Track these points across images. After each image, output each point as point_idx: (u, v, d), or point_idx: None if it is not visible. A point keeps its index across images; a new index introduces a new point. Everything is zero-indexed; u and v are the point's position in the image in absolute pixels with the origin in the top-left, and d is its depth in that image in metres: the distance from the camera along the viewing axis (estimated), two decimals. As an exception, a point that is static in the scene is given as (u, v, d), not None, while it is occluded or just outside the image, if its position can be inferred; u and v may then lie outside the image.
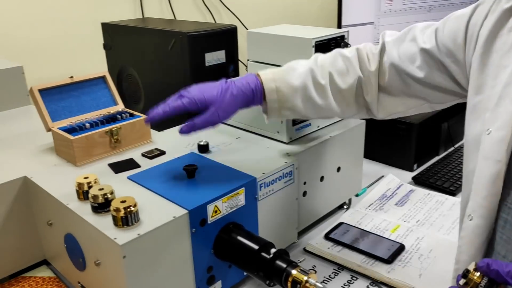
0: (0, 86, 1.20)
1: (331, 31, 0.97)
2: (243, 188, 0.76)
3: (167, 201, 0.71)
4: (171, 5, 2.06)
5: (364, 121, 1.05)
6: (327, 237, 0.97)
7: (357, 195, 1.16)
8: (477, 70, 0.65)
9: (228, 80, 0.81)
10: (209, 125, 0.77)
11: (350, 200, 1.12)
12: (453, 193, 1.15)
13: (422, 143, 1.29)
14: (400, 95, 0.79)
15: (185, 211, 0.68)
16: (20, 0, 1.58)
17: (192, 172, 0.78)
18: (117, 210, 0.64)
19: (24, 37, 1.62)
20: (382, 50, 0.80)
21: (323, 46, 0.95)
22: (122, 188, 0.75)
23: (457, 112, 1.42)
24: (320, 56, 0.84)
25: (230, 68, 1.29)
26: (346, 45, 0.98)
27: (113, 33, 1.43)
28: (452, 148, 1.40)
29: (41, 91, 0.90)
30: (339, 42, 0.97)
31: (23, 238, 0.84)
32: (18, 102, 1.23)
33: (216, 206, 0.72)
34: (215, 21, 2.27)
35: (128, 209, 0.65)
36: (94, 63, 1.80)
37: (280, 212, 0.86)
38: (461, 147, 1.39)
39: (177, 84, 1.23)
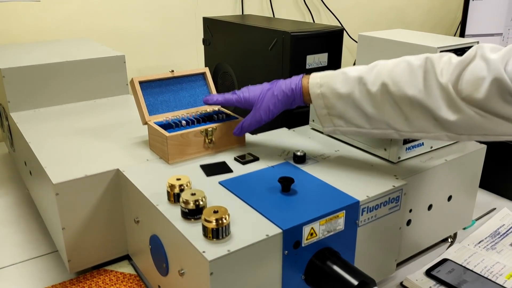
0: (102, 74, 1.22)
1: (458, 41, 0.85)
2: (344, 211, 0.68)
3: (259, 216, 0.65)
4: (271, 3, 2.01)
5: (485, 146, 0.91)
6: (428, 273, 0.85)
7: (464, 228, 1.02)
8: None
9: (275, 80, 0.82)
10: (254, 125, 0.82)
11: (456, 233, 0.99)
12: None
13: (547, 176, 1.12)
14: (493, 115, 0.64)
15: (279, 230, 0.61)
16: (128, -10, 1.62)
17: (287, 185, 0.71)
18: (209, 221, 0.59)
19: (127, 27, 1.66)
20: (470, 62, 0.65)
21: (448, 57, 0.83)
22: (213, 193, 0.71)
23: None
24: (380, 62, 0.74)
25: (330, 72, 1.21)
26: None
27: (213, 28, 1.41)
28: None
29: (141, 83, 0.89)
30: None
31: (109, 231, 0.83)
32: (118, 90, 1.24)
33: (312, 228, 0.65)
34: (314, 21, 2.19)
35: (220, 221, 0.59)
36: (192, 58, 1.81)
37: (380, 241, 0.76)
38: None
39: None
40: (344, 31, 2.15)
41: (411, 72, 0.69)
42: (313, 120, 0.99)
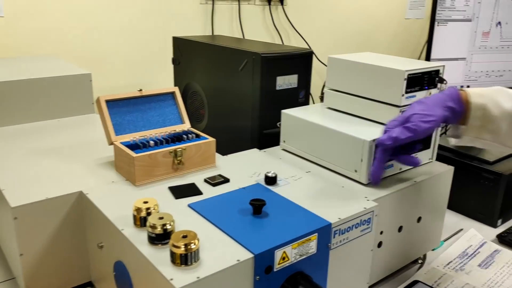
0: (67, 92, 1.18)
1: (425, 64, 0.87)
2: (316, 234, 0.66)
3: (230, 240, 0.63)
4: (241, 25, 2.03)
5: (452, 168, 0.93)
6: (399, 296, 0.85)
7: (433, 249, 1.03)
8: None
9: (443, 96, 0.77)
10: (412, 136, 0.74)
11: (425, 254, 0.99)
12: (546, 260, 0.99)
13: (509, 196, 1.14)
14: None
15: (251, 255, 0.59)
16: (92, 8, 1.59)
17: (259, 208, 0.69)
18: (177, 246, 0.56)
19: (95, 45, 1.63)
20: None
21: (416, 79, 0.85)
22: (182, 217, 0.68)
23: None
24: None
25: (300, 93, 1.21)
26: (442, 80, 0.87)
27: (183, 48, 1.40)
28: (543, 206, 1.24)
29: (108, 102, 0.86)
30: (433, 77, 0.87)
31: (71, 257, 0.79)
32: (83, 109, 1.21)
33: (285, 252, 0.63)
34: (283, 43, 2.22)
35: (189, 246, 0.57)
36: (160, 77, 1.78)
37: (352, 264, 0.75)
38: (554, 205, 1.22)
39: (243, 106, 1.17)
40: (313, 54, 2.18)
41: None
42: (284, 141, 0.98)
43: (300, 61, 1.18)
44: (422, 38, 2.77)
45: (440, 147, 1.24)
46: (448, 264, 0.96)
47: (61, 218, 0.75)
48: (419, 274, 0.92)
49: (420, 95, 0.87)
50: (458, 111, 0.75)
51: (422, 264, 0.97)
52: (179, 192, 0.76)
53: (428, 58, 1.09)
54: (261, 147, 1.02)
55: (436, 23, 1.08)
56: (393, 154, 0.79)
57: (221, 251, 0.60)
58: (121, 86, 1.71)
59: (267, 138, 1.12)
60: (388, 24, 2.65)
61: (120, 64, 1.70)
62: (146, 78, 1.76)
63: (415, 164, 0.81)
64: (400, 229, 0.85)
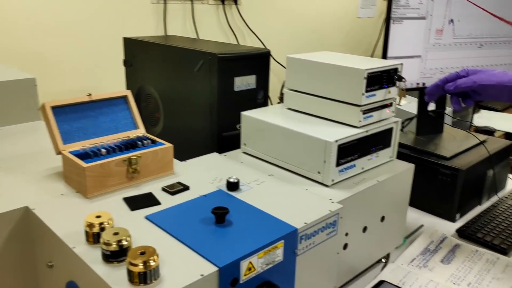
0: (10, 98, 1.10)
1: (384, 63, 0.86)
2: (283, 240, 0.64)
3: (192, 253, 0.59)
4: (195, 25, 1.98)
5: (413, 165, 0.93)
6: (366, 297, 0.84)
7: (396, 248, 1.03)
8: None
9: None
10: (467, 84, 0.89)
11: (389, 253, 0.99)
12: (504, 252, 1.01)
13: (466, 191, 1.17)
14: None
15: (215, 269, 0.56)
16: (36, 7, 1.50)
17: (222, 216, 0.66)
18: (135, 264, 0.52)
19: (39, 47, 1.54)
20: None
21: (375, 78, 0.84)
22: (140, 230, 0.64)
23: (503, 158, 1.30)
24: None
25: (259, 94, 1.19)
26: (400, 78, 0.87)
27: (135, 49, 1.34)
28: (496, 198, 1.27)
29: (54, 108, 0.80)
30: (392, 75, 0.87)
31: (18, 278, 0.72)
32: (28, 116, 1.13)
33: (250, 262, 0.60)
34: (238, 43, 2.19)
35: (148, 264, 0.52)
36: (112, 80, 1.71)
37: (319, 268, 0.73)
38: (506, 197, 1.26)
39: (200, 108, 1.13)
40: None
41: None
42: (245, 144, 0.95)
43: (258, 61, 1.16)
44: (374, 37, 2.83)
45: (398, 144, 1.25)
46: (412, 261, 0.96)
47: (5, 237, 0.69)
48: (384, 273, 0.91)
49: (380, 94, 0.86)
50: None
51: (386, 263, 0.96)
52: (135, 203, 0.72)
53: (384, 56, 1.10)
54: (220, 150, 0.98)
55: (391, 21, 1.08)
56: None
57: (183, 266, 0.56)
58: (70, 90, 1.62)
59: (227, 141, 1.08)
60: (341, 23, 2.68)
61: (68, 67, 1.62)
62: (96, 81, 1.68)
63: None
64: (364, 229, 0.84)
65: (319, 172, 0.81)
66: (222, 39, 2.14)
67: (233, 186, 0.77)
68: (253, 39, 2.25)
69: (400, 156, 1.21)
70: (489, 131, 2.17)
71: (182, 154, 0.95)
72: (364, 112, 0.84)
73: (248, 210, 0.70)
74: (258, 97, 1.19)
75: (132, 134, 0.86)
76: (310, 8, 2.49)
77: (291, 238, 0.65)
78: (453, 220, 1.16)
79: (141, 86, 1.34)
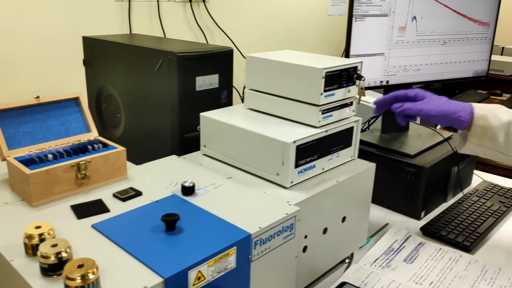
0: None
1: (343, 61, 0.85)
2: (235, 247, 0.62)
3: (137, 263, 0.56)
4: (162, 22, 1.94)
5: (374, 164, 0.92)
6: (328, 300, 0.82)
7: (360, 247, 1.02)
8: None
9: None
10: (413, 111, 0.91)
11: (352, 253, 0.98)
12: (467, 249, 1.01)
13: (431, 188, 1.17)
14: None
15: (160, 279, 0.53)
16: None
17: (172, 224, 0.63)
18: (71, 278, 0.49)
19: (-4, 46, 1.47)
20: None
21: (334, 77, 0.83)
22: (84, 240, 0.60)
23: (466, 156, 1.30)
24: None
25: (223, 94, 1.16)
26: (360, 77, 0.86)
27: (95, 49, 1.29)
28: (461, 195, 1.28)
29: (-3, 112, 0.76)
30: (351, 74, 0.85)
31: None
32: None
33: (200, 271, 0.58)
34: (207, 41, 2.16)
35: (86, 277, 0.50)
36: (74, 81, 1.65)
37: (277, 273, 0.72)
38: (471, 193, 1.27)
39: (161, 109, 1.10)
40: (239, 52, 2.14)
41: None
42: (204, 146, 0.93)
43: (221, 60, 1.13)
44: (344, 34, 2.83)
45: (363, 142, 1.25)
46: (375, 261, 0.95)
47: None
48: (347, 274, 0.90)
49: (339, 93, 0.85)
50: (465, 121, 0.89)
51: (349, 263, 0.95)
52: (83, 210, 0.68)
53: (347, 54, 1.08)
54: (183, 152, 0.96)
55: (354, 18, 1.07)
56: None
57: (127, 278, 0.54)
58: (25, 92, 1.56)
59: (189, 142, 1.05)
60: (312, 20, 2.67)
61: (23, 67, 1.56)
62: (55, 82, 1.62)
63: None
64: (325, 231, 0.83)
65: (277, 174, 0.79)
66: (191, 38, 2.10)
67: (187, 190, 0.74)
68: (223, 37, 2.21)
69: (365, 154, 1.21)
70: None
71: (144, 156, 0.93)
72: (323, 111, 0.83)
73: (201, 216, 0.68)
74: (222, 97, 1.16)
75: (83, 137, 0.83)
76: (280, 6, 2.48)
77: (245, 244, 0.63)
78: (418, 218, 1.16)
79: (101, 86, 1.30)
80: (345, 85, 0.85)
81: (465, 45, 1.25)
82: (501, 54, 3.42)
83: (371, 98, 1.71)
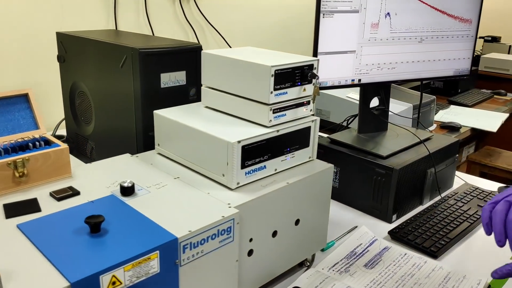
0: None
1: (297, 59, 0.82)
2: (157, 251, 0.60)
3: (51, 266, 0.55)
4: (149, 19, 1.92)
5: (332, 165, 0.89)
6: (276, 305, 0.80)
7: (323, 250, 0.99)
8: None
9: None
10: None
11: (314, 256, 0.96)
12: (434, 255, 0.98)
13: (404, 191, 1.13)
14: None
15: (67, 284, 0.52)
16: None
17: (96, 226, 0.61)
18: (-35, 282, 0.47)
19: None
20: None
21: (286, 75, 0.80)
22: (3, 240, 0.59)
23: (449, 156, 1.26)
24: None
25: (191, 91, 1.14)
26: (314, 76, 0.83)
27: (67, 44, 1.28)
28: (439, 198, 1.24)
29: None
30: (305, 72, 0.82)
31: None
32: None
33: (114, 276, 0.56)
34: (198, 40, 2.14)
35: (-18, 281, 0.48)
36: (49, 76, 1.64)
37: (213, 277, 0.69)
38: (449, 196, 1.23)
39: (126, 106, 1.08)
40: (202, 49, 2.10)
41: None
42: (158, 144, 0.91)
43: (188, 57, 1.11)
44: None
45: (336, 142, 1.21)
46: (333, 266, 0.92)
47: None
48: (301, 279, 0.87)
49: (293, 92, 0.82)
50: None
51: (308, 267, 0.93)
52: (13, 210, 0.67)
53: (315, 52, 1.05)
54: (148, 150, 0.94)
55: (321, 15, 1.04)
56: None
57: (33, 281, 0.52)
58: (5, 87, 1.56)
59: (147, 140, 1.04)
60: (307, 17, 2.63)
61: (6, 62, 1.56)
62: (33, 78, 1.62)
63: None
64: (274, 234, 0.80)
65: (223, 175, 0.77)
66: (180, 35, 2.08)
67: (126, 191, 0.72)
68: (214, 34, 2.19)
69: (337, 154, 1.18)
70: (454, 127, 2.14)
71: (114, 154, 0.92)
72: (275, 111, 0.80)
73: (132, 218, 0.66)
74: (191, 94, 1.14)
75: (30, 135, 0.82)
76: (273, 1, 2.44)
77: (170, 248, 0.61)
78: (389, 221, 1.12)
79: (74, 82, 1.29)
80: (299, 83, 0.82)
81: (444, 42, 1.20)
82: (508, 53, 3.33)
83: (355, 94, 1.68)
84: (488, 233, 0.73)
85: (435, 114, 2.27)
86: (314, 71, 0.83)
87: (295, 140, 0.85)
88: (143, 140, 1.06)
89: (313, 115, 0.88)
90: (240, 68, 0.81)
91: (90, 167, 0.84)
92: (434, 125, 2.12)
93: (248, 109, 0.82)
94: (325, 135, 1.28)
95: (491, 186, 1.34)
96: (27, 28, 1.57)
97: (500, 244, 0.71)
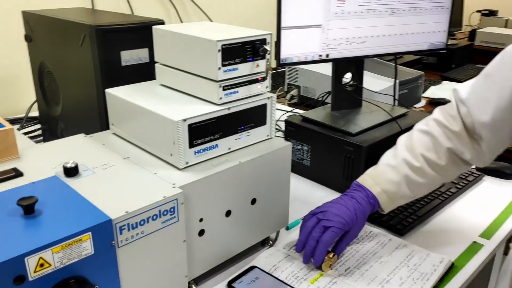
0: None
1: (248, 33, 0.79)
2: (89, 232, 0.58)
3: (-26, 249, 0.54)
4: (127, -3, 1.88)
5: (290, 144, 0.87)
6: (230, 286, 0.79)
7: (287, 228, 0.98)
8: None
9: (348, 196, 0.88)
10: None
11: (278, 234, 0.94)
12: (400, 232, 0.96)
13: (374, 168, 1.11)
14: (498, 137, 0.83)
15: (-13, 267, 0.50)
16: None
17: (29, 207, 0.60)
18: None
19: None
20: (459, 107, 0.85)
21: (235, 50, 0.77)
22: None
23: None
24: (403, 140, 0.91)
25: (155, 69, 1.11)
26: (266, 51, 0.80)
27: (33, 23, 1.25)
28: (413, 174, 1.22)
29: None
30: (257, 47, 0.79)
31: None
32: None
33: (42, 258, 0.54)
34: (180, 18, 2.09)
35: None
36: (20, 56, 1.61)
37: (158, 258, 0.68)
38: (424, 173, 1.20)
39: (88, 86, 1.06)
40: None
41: (434, 138, 0.87)
42: (112, 124, 0.89)
43: (151, 33, 1.08)
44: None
45: (307, 120, 1.19)
46: (295, 244, 0.91)
47: None
48: (260, 258, 0.86)
49: (245, 68, 0.79)
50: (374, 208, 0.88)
51: (271, 246, 0.91)
52: (-50, 192, 0.66)
53: (278, 27, 1.02)
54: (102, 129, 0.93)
55: (284, -13, 1.00)
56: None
57: (-48, 265, 0.51)
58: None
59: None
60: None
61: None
62: (4, 59, 1.59)
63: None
64: (228, 213, 0.79)
65: (171, 154, 0.75)
66: (162, 14, 2.04)
67: (69, 171, 0.71)
68: (198, 12, 2.15)
69: (308, 132, 1.16)
70: (443, 103, 2.10)
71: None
72: (225, 88, 0.78)
73: (70, 199, 0.64)
74: (155, 72, 1.12)
75: (-23, 116, 0.80)
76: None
77: (104, 229, 0.60)
78: (359, 199, 1.10)
79: (41, 62, 1.26)
80: (251, 59, 0.80)
81: (417, 15, 1.16)
82: (505, 26, 3.26)
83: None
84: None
85: (426, 90, 2.24)
86: (267, 46, 0.80)
87: (250, 118, 0.83)
88: (106, 120, 1.04)
89: (270, 91, 0.86)
90: (188, 43, 0.79)
91: (40, 148, 0.82)
92: (423, 102, 2.08)
93: (198, 87, 0.80)
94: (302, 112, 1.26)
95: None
96: (5, 7, 1.54)
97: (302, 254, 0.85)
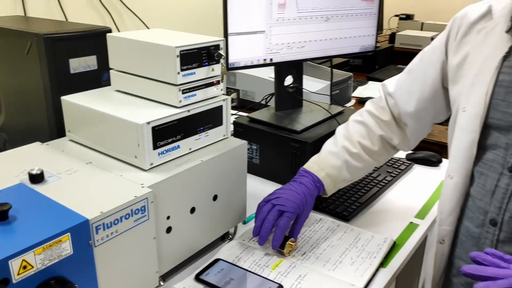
0: None
1: (203, 39, 0.84)
2: (68, 233, 0.60)
3: (-47, 257, 0.54)
4: (61, 4, 1.84)
5: (245, 142, 0.93)
6: (198, 278, 0.83)
7: (244, 222, 1.04)
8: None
9: (297, 182, 0.95)
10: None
11: (236, 228, 1.00)
12: (346, 218, 1.06)
13: (319, 162, 1.20)
14: (420, 124, 0.97)
15: (-28, 272, 0.51)
16: None
17: (2, 214, 0.61)
18: None
19: None
20: (388, 99, 0.99)
21: (192, 56, 0.82)
22: None
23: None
24: (341, 130, 1.02)
25: (104, 76, 1.12)
26: (220, 56, 0.85)
27: (-31, 33, 1.21)
28: (352, 167, 1.33)
29: None
30: (212, 52, 0.85)
31: None
32: None
33: (24, 260, 0.56)
34: (116, 24, 2.08)
35: None
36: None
37: (131, 256, 0.71)
38: (362, 165, 1.32)
39: (36, 95, 1.05)
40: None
41: (367, 127, 0.99)
42: (69, 131, 0.90)
43: (98, 41, 1.08)
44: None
45: (254, 120, 1.26)
46: (255, 236, 0.97)
47: None
48: (223, 251, 0.91)
49: (201, 72, 0.84)
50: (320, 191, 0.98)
51: (231, 239, 0.97)
52: None
53: (225, 33, 1.08)
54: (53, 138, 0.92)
55: (229, -4, 1.06)
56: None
57: None
58: None
59: (61, 128, 1.02)
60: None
61: None
62: None
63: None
64: (192, 210, 0.83)
65: (136, 157, 0.78)
66: (97, 21, 2.01)
67: (35, 178, 0.72)
68: (134, 19, 2.14)
69: (256, 132, 1.22)
70: (370, 102, 2.27)
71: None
72: (184, 91, 0.82)
73: (42, 204, 0.66)
74: (103, 79, 1.13)
75: None
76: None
77: (82, 229, 0.62)
78: (306, 191, 1.19)
79: (-21, 73, 1.22)
80: (206, 63, 0.85)
81: (349, 20, 1.28)
82: (421, 29, 3.54)
83: (271, 72, 1.73)
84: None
85: (354, 90, 2.39)
86: (221, 51, 0.86)
87: (207, 119, 0.88)
88: (56, 128, 1.03)
89: (224, 94, 0.91)
90: (146, 50, 0.82)
91: (4, 155, 0.81)
92: (353, 101, 2.23)
93: (157, 91, 0.84)
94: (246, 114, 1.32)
95: (399, 153, 1.45)
96: None
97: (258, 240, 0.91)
